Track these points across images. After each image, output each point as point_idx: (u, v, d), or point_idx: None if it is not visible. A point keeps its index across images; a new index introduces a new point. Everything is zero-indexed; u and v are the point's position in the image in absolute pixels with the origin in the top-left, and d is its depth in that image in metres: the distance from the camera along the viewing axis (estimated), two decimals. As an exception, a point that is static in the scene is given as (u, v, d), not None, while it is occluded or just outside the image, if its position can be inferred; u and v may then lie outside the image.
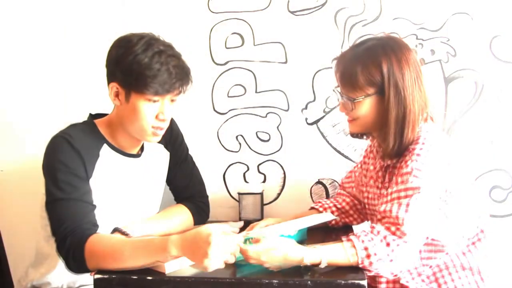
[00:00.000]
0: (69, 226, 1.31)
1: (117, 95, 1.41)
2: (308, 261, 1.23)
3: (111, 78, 1.42)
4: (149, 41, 1.38)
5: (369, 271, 1.25)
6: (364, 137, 1.54)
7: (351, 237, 1.28)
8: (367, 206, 1.59)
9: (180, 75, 1.39)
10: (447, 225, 1.38)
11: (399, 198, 1.31)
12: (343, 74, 1.40)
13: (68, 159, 1.37)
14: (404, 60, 1.36)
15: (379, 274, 1.26)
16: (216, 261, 1.16)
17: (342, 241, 1.28)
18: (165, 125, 1.44)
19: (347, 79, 1.39)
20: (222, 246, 1.16)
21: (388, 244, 1.25)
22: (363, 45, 1.42)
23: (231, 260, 1.21)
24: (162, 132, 1.46)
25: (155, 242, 1.24)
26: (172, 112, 1.44)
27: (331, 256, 1.25)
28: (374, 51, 1.37)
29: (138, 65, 1.35)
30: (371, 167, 1.55)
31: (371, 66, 1.35)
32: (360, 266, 1.25)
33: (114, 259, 1.26)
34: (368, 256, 1.24)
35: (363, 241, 1.26)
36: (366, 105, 1.39)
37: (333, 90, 1.53)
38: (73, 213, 1.33)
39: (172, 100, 1.43)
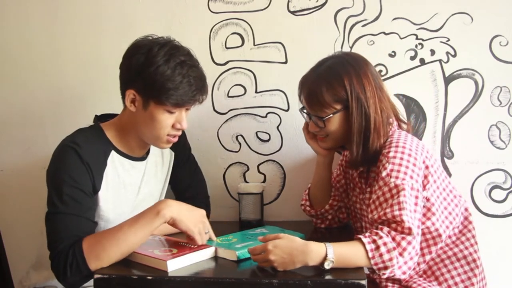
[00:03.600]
0: (67, 240, 1.30)
1: (133, 101, 1.41)
2: (317, 256, 1.23)
3: (128, 85, 1.41)
4: (170, 51, 1.38)
5: (381, 268, 1.24)
6: (337, 150, 1.65)
7: (358, 236, 1.29)
8: (352, 209, 1.65)
9: (199, 86, 1.41)
10: (436, 215, 1.42)
11: (386, 200, 1.34)
12: (309, 96, 1.48)
13: (76, 173, 1.36)
14: (363, 73, 1.45)
15: (391, 273, 1.25)
16: (201, 230, 1.37)
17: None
18: (180, 133, 1.47)
19: (314, 99, 1.47)
20: (208, 225, 1.40)
21: (394, 238, 1.27)
22: (323, 65, 1.50)
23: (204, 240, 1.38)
24: (175, 140, 1.48)
25: (147, 210, 1.34)
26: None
27: (340, 252, 1.24)
28: (335, 69, 1.46)
29: (161, 76, 1.35)
30: (350, 171, 1.64)
31: (335, 84, 1.44)
32: (372, 263, 1.24)
33: (117, 240, 1.28)
34: (378, 247, 1.24)
35: (369, 236, 1.27)
36: (335, 121, 1.47)
37: (300, 111, 1.60)
38: (74, 228, 1.32)
39: (187, 109, 1.45)
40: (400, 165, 1.36)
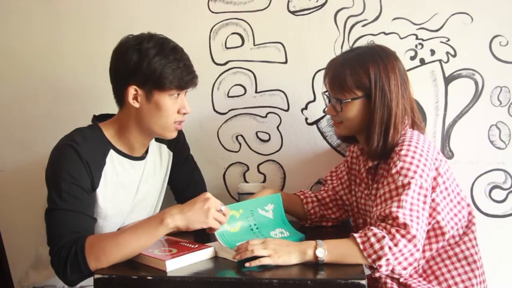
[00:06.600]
0: (67, 236, 1.30)
1: (135, 97, 1.43)
2: (308, 245, 1.28)
3: (127, 82, 1.42)
4: (159, 41, 1.43)
5: (375, 260, 1.25)
6: (350, 141, 1.64)
7: (353, 234, 1.31)
8: (355, 204, 1.66)
9: (192, 67, 1.47)
10: (442, 214, 1.43)
11: (391, 197, 1.36)
12: (333, 77, 1.49)
13: (75, 170, 1.37)
14: (390, 67, 1.45)
15: (388, 264, 1.26)
16: (215, 214, 1.34)
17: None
18: (184, 119, 1.50)
19: (336, 81, 1.48)
20: (216, 203, 1.36)
21: (389, 231, 1.28)
22: (353, 51, 1.52)
23: (223, 219, 1.37)
24: (181, 127, 1.51)
25: (152, 217, 1.35)
26: None
27: (330, 242, 1.29)
28: (363, 57, 1.47)
29: (159, 64, 1.40)
30: (357, 167, 1.64)
31: (360, 70, 1.44)
32: (365, 255, 1.26)
33: (117, 245, 1.28)
34: (368, 239, 1.27)
35: (365, 234, 1.29)
36: (354, 107, 1.47)
37: (322, 94, 1.60)
38: (73, 225, 1.33)
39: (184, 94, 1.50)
40: (410, 163, 1.37)
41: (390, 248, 1.25)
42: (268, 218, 1.53)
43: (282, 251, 1.27)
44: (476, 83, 1.81)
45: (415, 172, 1.36)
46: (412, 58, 1.83)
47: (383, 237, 1.26)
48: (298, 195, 1.72)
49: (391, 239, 1.26)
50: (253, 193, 1.80)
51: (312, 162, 1.90)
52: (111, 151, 1.47)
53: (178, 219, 1.30)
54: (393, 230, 1.28)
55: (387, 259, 1.25)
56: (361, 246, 1.27)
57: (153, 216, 1.35)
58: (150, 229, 1.30)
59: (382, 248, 1.25)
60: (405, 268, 1.28)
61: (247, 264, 1.26)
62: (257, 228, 1.48)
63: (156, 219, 1.31)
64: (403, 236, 1.27)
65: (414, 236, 1.27)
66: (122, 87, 1.43)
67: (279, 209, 1.57)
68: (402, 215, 1.29)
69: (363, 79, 1.44)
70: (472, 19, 1.79)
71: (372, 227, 1.30)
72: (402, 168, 1.37)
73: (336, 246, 1.29)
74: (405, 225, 1.28)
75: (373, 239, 1.26)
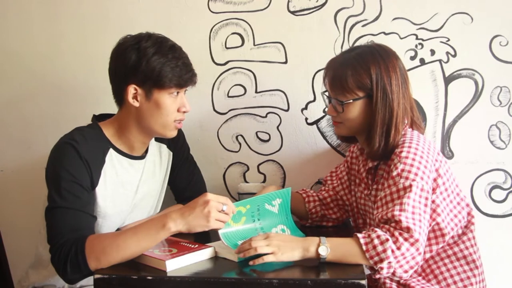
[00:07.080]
0: (67, 235, 1.31)
1: (135, 96, 1.44)
2: (312, 241, 1.28)
3: (126, 82, 1.43)
4: (158, 40, 1.44)
5: (377, 262, 1.25)
6: (350, 141, 1.64)
7: (355, 233, 1.31)
8: (354, 205, 1.66)
9: (191, 66, 1.47)
10: (442, 216, 1.43)
11: (392, 200, 1.35)
12: (334, 78, 1.48)
13: (74, 168, 1.37)
14: (391, 66, 1.44)
15: (390, 267, 1.26)
16: (216, 216, 1.30)
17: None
18: (184, 118, 1.51)
19: (337, 82, 1.46)
20: (217, 204, 1.31)
21: (392, 233, 1.28)
22: (353, 51, 1.50)
23: (226, 218, 1.33)
24: (181, 126, 1.52)
25: (153, 220, 1.32)
26: None
27: (333, 241, 1.29)
28: (364, 57, 1.45)
29: (158, 63, 1.41)
30: (356, 168, 1.64)
31: (361, 70, 1.43)
32: (368, 256, 1.25)
33: (118, 247, 1.28)
34: (371, 240, 1.26)
35: (369, 235, 1.28)
36: (355, 108, 1.46)
37: (322, 94, 1.60)
38: (73, 223, 1.33)
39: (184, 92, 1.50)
40: (411, 165, 1.37)
41: (393, 251, 1.25)
42: (272, 213, 1.53)
43: (286, 247, 1.27)
44: (476, 83, 1.81)
45: (416, 174, 1.36)
46: (412, 58, 1.83)
47: (387, 239, 1.26)
48: (300, 194, 1.72)
49: (394, 242, 1.26)
50: (253, 193, 1.81)
51: (312, 162, 1.91)
52: (111, 150, 1.48)
53: (180, 223, 1.29)
54: (396, 233, 1.27)
55: (389, 262, 1.25)
56: (364, 247, 1.26)
57: (154, 218, 1.34)
58: (151, 233, 1.29)
59: (385, 251, 1.25)
60: (406, 271, 1.27)
61: (250, 263, 1.26)
62: (261, 228, 1.47)
63: (158, 222, 1.30)
64: (406, 239, 1.26)
65: (417, 240, 1.27)
66: (122, 87, 1.44)
67: (286, 204, 1.56)
68: (405, 219, 1.29)
69: (365, 80, 1.43)
70: (472, 19, 1.79)
71: (376, 229, 1.30)
72: (403, 170, 1.36)
73: (339, 245, 1.29)
74: (408, 229, 1.27)
75: (376, 241, 1.26)
